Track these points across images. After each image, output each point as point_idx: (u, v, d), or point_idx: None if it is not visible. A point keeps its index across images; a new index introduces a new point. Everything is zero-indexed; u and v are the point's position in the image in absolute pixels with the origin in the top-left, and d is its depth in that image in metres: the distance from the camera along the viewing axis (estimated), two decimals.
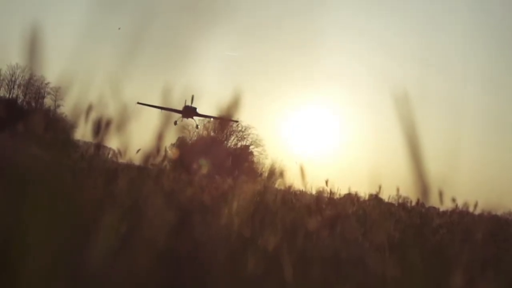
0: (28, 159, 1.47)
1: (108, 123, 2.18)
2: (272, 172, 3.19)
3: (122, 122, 2.14)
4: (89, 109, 2.20)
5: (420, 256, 1.84)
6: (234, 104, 2.06)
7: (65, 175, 1.59)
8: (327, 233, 2.39)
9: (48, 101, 39.12)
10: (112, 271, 1.33)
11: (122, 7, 1.88)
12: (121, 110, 2.12)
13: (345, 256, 2.12)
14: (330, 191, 5.82)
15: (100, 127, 2.20)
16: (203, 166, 3.41)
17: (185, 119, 46.83)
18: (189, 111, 44.32)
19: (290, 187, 4.45)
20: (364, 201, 7.47)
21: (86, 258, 1.28)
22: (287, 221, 2.34)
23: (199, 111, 45.58)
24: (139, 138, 2.23)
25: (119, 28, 1.95)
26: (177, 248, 1.65)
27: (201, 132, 45.32)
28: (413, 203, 7.17)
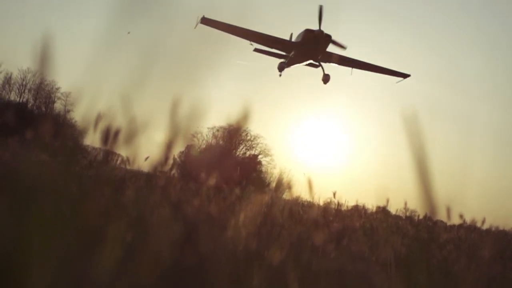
0: (37, 166, 1.48)
1: (117, 131, 2.19)
2: (279, 182, 3.19)
3: (132, 131, 2.14)
4: (99, 116, 2.21)
5: (426, 272, 1.83)
6: (244, 114, 2.06)
7: (72, 183, 1.59)
8: (333, 246, 2.39)
9: (58, 106, 39.21)
10: (117, 282, 1.33)
11: (138, 16, 1.89)
12: (131, 118, 2.12)
13: (351, 271, 2.11)
14: (338, 202, 5.81)
15: (109, 135, 2.20)
16: (211, 176, 3.41)
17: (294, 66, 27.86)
18: (316, 42, 24.85)
19: (297, 198, 4.44)
20: (372, 213, 7.46)
21: (91, 267, 1.28)
22: (294, 234, 2.33)
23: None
24: (148, 145, 2.23)
25: (128, 33, 1.96)
26: (182, 260, 1.65)
27: (210, 140, 39.81)
28: (421, 217, 7.16)
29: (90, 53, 1.93)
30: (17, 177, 1.34)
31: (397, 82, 28.79)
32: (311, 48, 25.15)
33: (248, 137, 42.23)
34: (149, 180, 2.44)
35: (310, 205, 4.78)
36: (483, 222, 5.49)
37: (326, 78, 27.34)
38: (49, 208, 1.24)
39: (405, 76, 28.62)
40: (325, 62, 27.07)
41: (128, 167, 2.94)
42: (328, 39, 24.74)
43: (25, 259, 1.19)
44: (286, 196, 3.76)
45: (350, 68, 28.23)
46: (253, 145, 42.72)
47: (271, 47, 27.16)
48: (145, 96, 2.00)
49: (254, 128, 40.29)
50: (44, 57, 1.63)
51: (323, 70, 27.25)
